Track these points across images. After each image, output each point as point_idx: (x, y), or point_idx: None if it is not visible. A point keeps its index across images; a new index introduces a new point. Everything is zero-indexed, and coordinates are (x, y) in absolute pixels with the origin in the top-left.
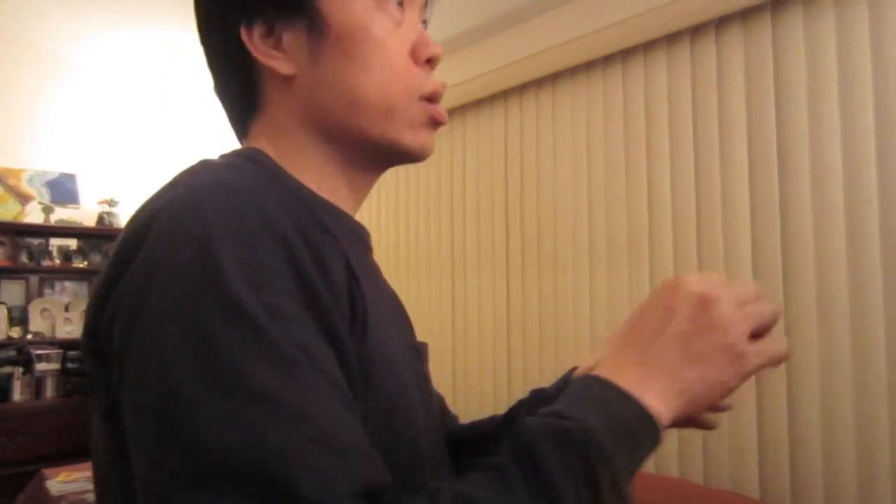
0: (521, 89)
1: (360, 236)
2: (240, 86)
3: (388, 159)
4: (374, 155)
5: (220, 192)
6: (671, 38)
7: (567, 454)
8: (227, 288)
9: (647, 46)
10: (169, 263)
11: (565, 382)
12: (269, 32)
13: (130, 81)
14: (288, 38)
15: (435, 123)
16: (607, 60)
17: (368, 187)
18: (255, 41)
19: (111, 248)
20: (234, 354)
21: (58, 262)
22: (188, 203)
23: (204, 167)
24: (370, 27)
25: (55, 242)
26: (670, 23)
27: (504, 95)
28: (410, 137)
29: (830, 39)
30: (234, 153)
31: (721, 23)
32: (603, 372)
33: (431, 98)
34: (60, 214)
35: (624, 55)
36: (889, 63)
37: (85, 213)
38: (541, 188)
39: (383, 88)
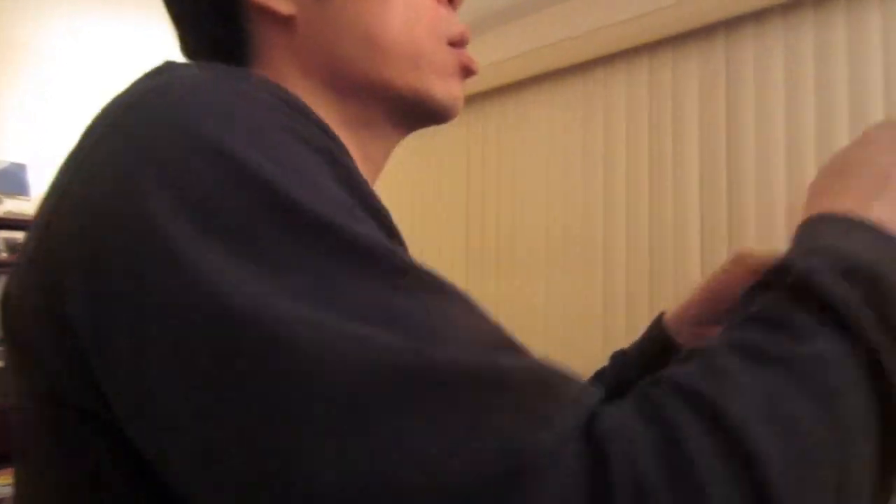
0: (485, 96)
1: None
2: (222, 37)
3: (412, 118)
4: (396, 113)
5: (219, 84)
6: (630, 53)
7: (858, 286)
8: (280, 193)
9: (607, 60)
10: (177, 180)
11: (657, 328)
12: None
13: (87, 70)
14: None
15: (466, 71)
16: (569, 72)
17: (383, 158)
18: None
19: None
20: (342, 278)
21: (5, 255)
22: (169, 99)
23: (174, 64)
24: None
25: (3, 235)
26: (628, 39)
27: (469, 101)
28: (442, 88)
29: (779, 59)
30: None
31: (678, 40)
32: (840, 211)
33: (458, 42)
34: (9, 206)
35: (584, 68)
36: (833, 82)
37: (36, 205)
38: (501, 195)
39: (408, 29)
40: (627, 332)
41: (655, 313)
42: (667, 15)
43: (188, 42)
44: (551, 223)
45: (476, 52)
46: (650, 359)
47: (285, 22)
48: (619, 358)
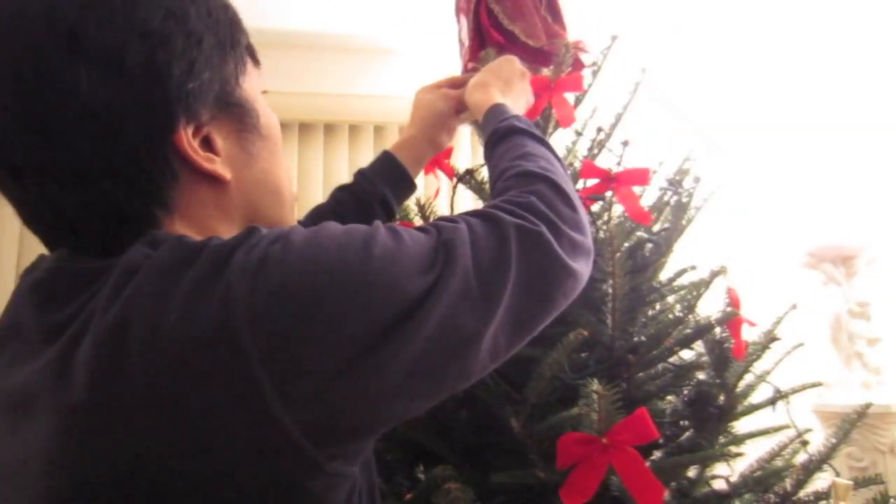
0: None
1: None
2: (140, 193)
3: None
4: None
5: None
6: None
7: (532, 132)
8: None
9: None
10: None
11: (388, 158)
12: (197, 133)
13: None
14: (220, 138)
15: None
16: None
17: None
18: (192, 146)
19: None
20: None
21: None
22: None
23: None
24: (275, 121)
25: None
26: None
27: None
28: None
29: None
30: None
31: None
32: (496, 101)
33: None
34: None
35: None
36: None
37: None
38: None
39: (288, 178)
40: None
41: None
42: None
43: (68, 205)
44: None
45: None
46: (389, 175)
47: (218, 182)
48: (362, 174)
